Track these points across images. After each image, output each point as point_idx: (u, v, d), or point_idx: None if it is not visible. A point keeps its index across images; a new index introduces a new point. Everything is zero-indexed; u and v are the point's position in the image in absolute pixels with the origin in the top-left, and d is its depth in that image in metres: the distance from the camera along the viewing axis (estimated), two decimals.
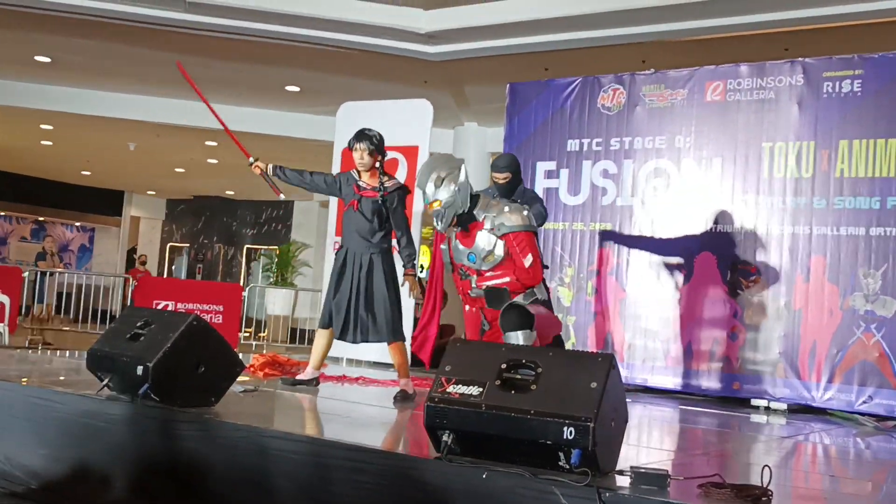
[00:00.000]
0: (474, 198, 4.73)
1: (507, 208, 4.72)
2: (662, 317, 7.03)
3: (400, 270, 5.38)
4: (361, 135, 5.33)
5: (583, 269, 7.44)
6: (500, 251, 4.67)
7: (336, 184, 5.47)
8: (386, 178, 5.38)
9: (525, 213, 4.72)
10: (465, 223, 4.73)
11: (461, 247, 4.80)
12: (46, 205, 21.43)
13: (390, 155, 7.69)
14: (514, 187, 5.67)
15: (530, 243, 4.66)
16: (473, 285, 4.72)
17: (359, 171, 5.38)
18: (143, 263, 18.47)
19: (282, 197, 5.60)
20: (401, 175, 7.73)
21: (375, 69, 9.98)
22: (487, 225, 4.70)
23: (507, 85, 7.96)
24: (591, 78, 7.55)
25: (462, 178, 4.64)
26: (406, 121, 7.80)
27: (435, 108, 7.85)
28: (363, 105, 8.36)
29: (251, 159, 5.45)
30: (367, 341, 5.35)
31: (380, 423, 4.53)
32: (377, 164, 5.35)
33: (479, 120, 11.87)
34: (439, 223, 4.69)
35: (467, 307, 4.87)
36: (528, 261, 4.62)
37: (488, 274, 4.71)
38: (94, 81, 11.80)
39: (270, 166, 5.44)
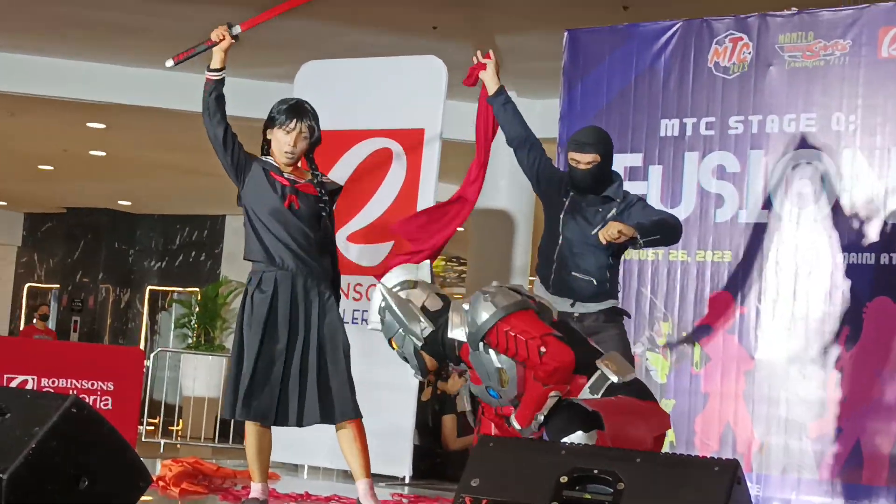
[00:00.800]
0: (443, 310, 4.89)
1: (464, 304, 4.80)
2: (813, 400, 7.01)
3: None
4: (301, 109, 5.65)
5: (686, 325, 7.43)
6: (506, 361, 4.70)
7: (245, 164, 5.65)
8: (319, 174, 5.74)
9: (487, 295, 4.74)
10: (451, 354, 4.87)
11: (475, 387, 4.89)
12: None
13: (381, 142, 7.79)
14: (602, 178, 5.81)
15: (522, 325, 4.66)
16: (517, 426, 4.65)
17: (276, 162, 5.65)
18: (45, 318, 18.52)
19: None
20: (397, 175, 7.78)
21: (354, 9, 10.03)
22: (461, 337, 4.80)
23: (565, 32, 8.00)
24: (699, 21, 7.58)
25: (382, 298, 4.91)
26: (405, 89, 7.86)
27: (450, 70, 7.90)
28: (336, 65, 8.43)
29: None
30: (316, 422, 5.58)
31: None
32: (308, 155, 5.71)
33: (519, 87, 11.88)
34: (416, 373, 5.04)
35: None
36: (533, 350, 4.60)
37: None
38: None
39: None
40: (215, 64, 5.66)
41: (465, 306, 4.78)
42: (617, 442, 4.25)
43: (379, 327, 5.04)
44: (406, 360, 4.99)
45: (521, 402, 4.65)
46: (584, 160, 5.76)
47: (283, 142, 5.60)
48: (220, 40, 5.68)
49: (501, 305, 4.68)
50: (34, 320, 18.57)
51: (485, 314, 4.67)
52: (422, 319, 4.85)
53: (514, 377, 4.66)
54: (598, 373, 4.63)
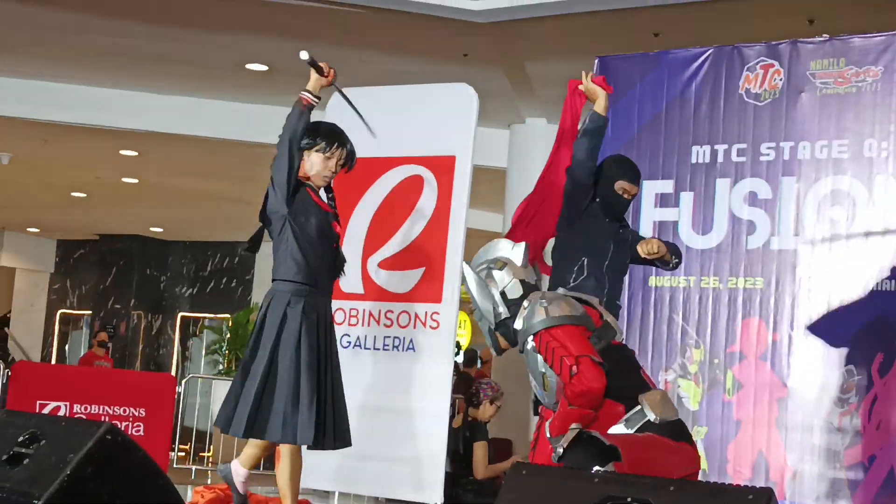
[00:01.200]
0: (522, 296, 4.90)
1: (525, 303, 4.84)
2: (847, 427, 6.98)
3: None
4: (343, 135, 5.87)
5: (718, 352, 7.41)
6: (549, 367, 4.70)
7: (297, 183, 5.77)
8: (331, 194, 5.92)
9: (545, 301, 4.78)
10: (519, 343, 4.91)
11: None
12: None
13: (412, 169, 7.81)
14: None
15: (563, 340, 4.65)
16: (548, 434, 4.64)
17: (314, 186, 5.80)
18: (104, 344, 18.47)
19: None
20: (428, 201, 7.79)
21: (386, 36, 10.09)
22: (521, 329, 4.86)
23: (596, 60, 8.01)
24: (730, 48, 7.59)
25: (467, 274, 4.96)
26: (436, 116, 7.86)
27: (481, 97, 7.92)
28: (367, 93, 8.45)
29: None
30: (335, 447, 5.76)
31: None
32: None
33: (549, 114, 11.91)
34: (492, 349, 5.02)
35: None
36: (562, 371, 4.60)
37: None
38: None
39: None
40: (316, 90, 5.86)
41: (526, 304, 4.82)
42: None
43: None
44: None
45: (554, 415, 4.64)
46: (632, 192, 6.03)
47: (324, 166, 5.77)
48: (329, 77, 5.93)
49: (553, 315, 4.70)
50: (93, 346, 18.51)
51: (535, 318, 4.72)
52: (499, 303, 4.88)
53: (554, 386, 4.66)
54: (638, 408, 4.58)
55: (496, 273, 4.92)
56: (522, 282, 4.92)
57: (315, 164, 5.76)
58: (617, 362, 4.69)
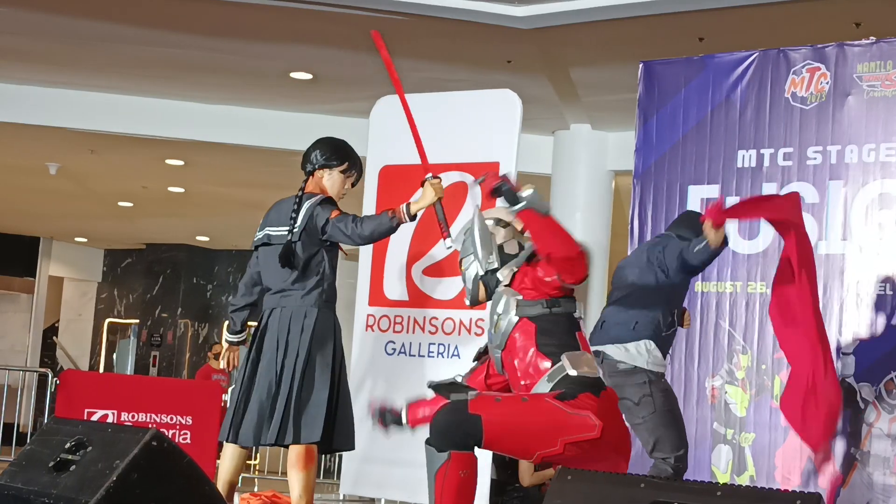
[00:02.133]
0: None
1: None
2: None
3: None
4: (360, 161, 6.40)
5: (765, 358, 7.37)
6: (506, 306, 5.06)
7: None
8: None
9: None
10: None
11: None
12: None
13: (456, 176, 7.83)
14: None
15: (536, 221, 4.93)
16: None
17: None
18: (219, 357, 18.56)
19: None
20: (472, 208, 7.80)
21: (430, 44, 10.10)
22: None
23: (640, 64, 8.00)
24: (775, 52, 7.55)
25: (474, 220, 5.23)
26: (480, 122, 7.87)
27: (525, 103, 7.92)
28: (411, 100, 8.41)
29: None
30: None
31: None
32: None
33: (593, 120, 11.91)
34: (467, 299, 5.31)
35: None
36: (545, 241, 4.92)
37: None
38: None
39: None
40: (416, 212, 6.04)
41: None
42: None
43: (454, 245, 5.52)
44: (464, 283, 5.29)
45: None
46: None
47: (343, 185, 6.27)
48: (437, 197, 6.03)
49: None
50: (209, 359, 18.55)
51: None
52: (493, 254, 5.17)
53: (508, 328, 5.03)
54: (560, 364, 4.92)
55: (499, 230, 5.23)
56: (520, 244, 5.22)
57: (336, 182, 6.21)
58: (559, 324, 5.03)
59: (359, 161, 6.32)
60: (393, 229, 5.95)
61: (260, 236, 6.21)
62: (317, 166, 6.17)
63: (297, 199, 6.09)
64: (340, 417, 5.99)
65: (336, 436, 5.95)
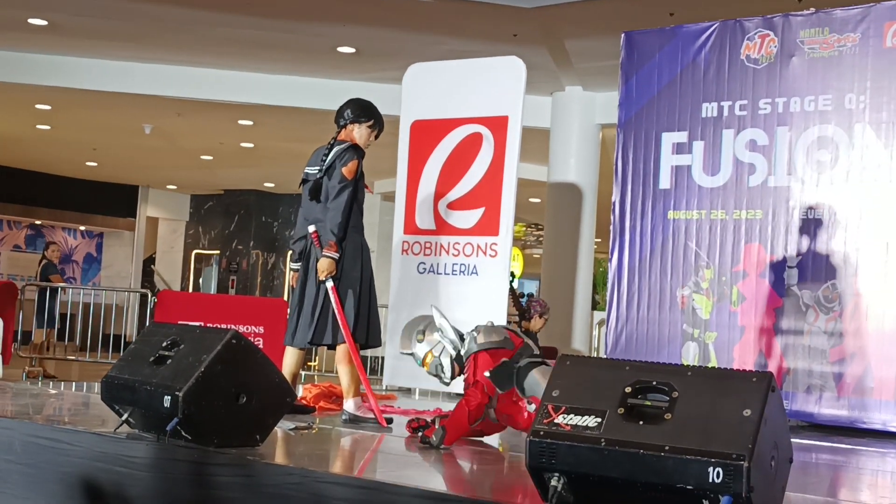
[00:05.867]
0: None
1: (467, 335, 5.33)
2: (832, 330, 6.92)
3: None
4: (382, 120, 6.27)
5: (725, 271, 7.36)
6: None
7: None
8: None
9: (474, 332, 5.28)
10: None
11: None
12: (44, 205, 22.07)
13: (473, 127, 7.79)
14: None
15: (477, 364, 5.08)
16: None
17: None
18: None
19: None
20: (486, 154, 7.77)
21: (449, 22, 10.02)
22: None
23: (622, 35, 7.94)
24: (732, 22, 7.48)
25: (438, 319, 5.31)
26: (492, 84, 7.83)
27: (528, 70, 7.87)
28: (436, 67, 8.42)
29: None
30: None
31: (474, 462, 4.55)
32: None
33: (584, 83, 11.82)
34: (445, 378, 5.34)
35: None
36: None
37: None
38: (101, 48, 12.15)
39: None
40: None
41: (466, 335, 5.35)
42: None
43: (413, 350, 5.42)
44: (436, 374, 5.36)
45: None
46: None
47: (368, 138, 6.17)
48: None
49: (479, 342, 5.16)
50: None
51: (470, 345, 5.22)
52: (457, 340, 5.30)
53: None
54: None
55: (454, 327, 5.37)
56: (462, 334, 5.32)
57: (364, 135, 6.13)
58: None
59: (381, 119, 6.23)
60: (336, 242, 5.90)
61: (301, 177, 6.19)
62: (348, 121, 6.11)
63: (330, 145, 6.07)
64: (371, 321, 5.99)
65: (368, 336, 5.96)
